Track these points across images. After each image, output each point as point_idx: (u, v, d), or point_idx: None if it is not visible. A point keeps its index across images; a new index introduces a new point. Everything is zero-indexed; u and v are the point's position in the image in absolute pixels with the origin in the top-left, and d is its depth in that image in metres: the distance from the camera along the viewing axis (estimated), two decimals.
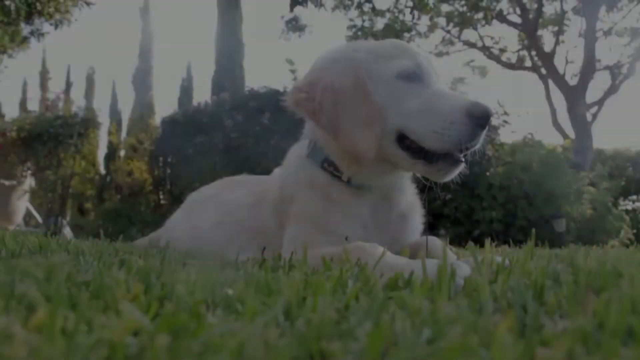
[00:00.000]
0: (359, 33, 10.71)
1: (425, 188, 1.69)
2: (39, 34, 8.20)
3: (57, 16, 7.83)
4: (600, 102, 11.97)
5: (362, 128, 1.41)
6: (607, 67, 11.94)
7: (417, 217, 1.69)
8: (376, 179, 1.55)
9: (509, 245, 2.51)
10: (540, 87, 12.32)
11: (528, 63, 12.65)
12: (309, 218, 1.54)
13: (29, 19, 7.87)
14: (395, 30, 10.77)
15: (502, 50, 12.64)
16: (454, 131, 1.34)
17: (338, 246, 1.31)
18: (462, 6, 11.24)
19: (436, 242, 1.52)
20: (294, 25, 11.35)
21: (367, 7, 11.07)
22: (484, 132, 1.39)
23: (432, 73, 1.49)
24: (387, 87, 1.45)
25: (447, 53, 12.82)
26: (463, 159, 1.43)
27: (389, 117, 1.44)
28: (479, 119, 1.34)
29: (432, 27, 11.88)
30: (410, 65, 1.46)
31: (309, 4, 9.96)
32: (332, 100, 1.43)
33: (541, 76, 12.09)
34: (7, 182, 6.84)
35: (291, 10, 10.22)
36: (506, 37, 12.23)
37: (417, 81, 1.45)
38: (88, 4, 8.18)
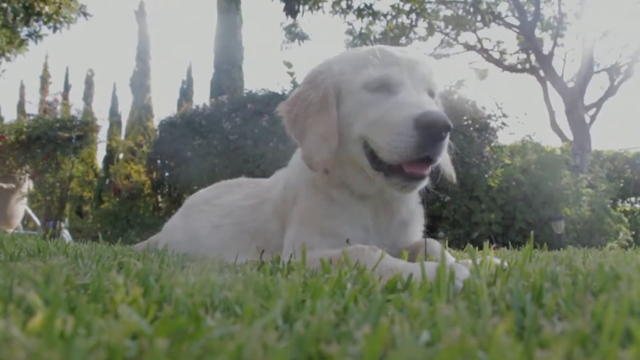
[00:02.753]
0: (357, 41, 10.73)
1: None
2: (36, 36, 8.19)
3: (56, 17, 7.84)
4: (598, 104, 12.02)
5: (320, 141, 1.45)
6: (605, 69, 11.99)
7: (418, 225, 1.70)
8: (372, 188, 1.55)
9: (508, 247, 2.52)
10: (539, 89, 12.38)
11: (526, 65, 12.69)
12: (311, 218, 1.55)
13: (27, 22, 7.87)
14: (394, 34, 10.79)
15: (501, 53, 12.68)
16: (401, 142, 1.30)
17: (337, 248, 1.31)
18: (459, 9, 11.27)
19: (435, 245, 1.52)
20: (294, 33, 11.36)
21: (365, 12, 11.08)
22: (443, 143, 1.33)
23: (407, 81, 1.43)
24: (355, 97, 1.47)
25: (447, 55, 12.86)
26: (426, 173, 1.37)
27: (354, 126, 1.46)
28: (427, 128, 1.28)
29: (430, 31, 11.90)
30: (376, 75, 1.43)
31: (306, 8, 9.98)
32: (304, 113, 1.51)
33: (539, 78, 12.14)
34: (5, 185, 6.82)
35: (287, 16, 10.25)
36: (505, 39, 12.24)
37: (384, 91, 1.43)
38: (85, 15, 8.20)
